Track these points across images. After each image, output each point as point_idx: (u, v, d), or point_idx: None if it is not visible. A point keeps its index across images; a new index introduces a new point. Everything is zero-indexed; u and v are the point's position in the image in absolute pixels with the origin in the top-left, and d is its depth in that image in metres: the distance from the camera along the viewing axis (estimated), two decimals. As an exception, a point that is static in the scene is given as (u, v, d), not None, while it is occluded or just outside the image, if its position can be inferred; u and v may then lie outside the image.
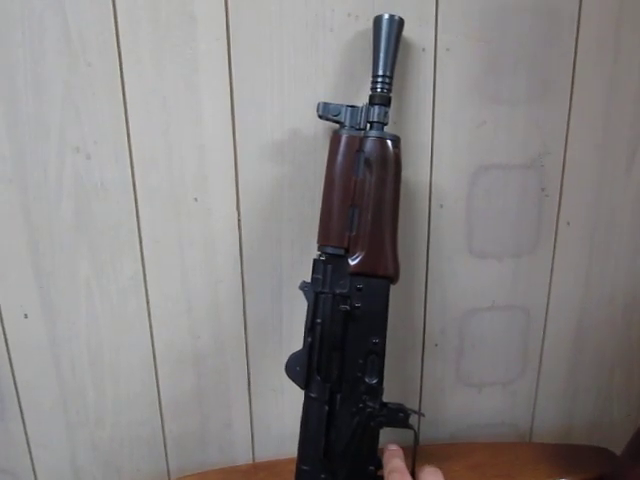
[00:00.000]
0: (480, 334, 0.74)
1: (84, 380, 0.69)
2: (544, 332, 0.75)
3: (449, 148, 0.66)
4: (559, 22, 0.63)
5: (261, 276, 0.68)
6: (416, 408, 0.76)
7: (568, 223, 0.71)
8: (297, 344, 0.69)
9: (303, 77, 0.61)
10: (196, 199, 0.64)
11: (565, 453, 0.75)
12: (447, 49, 0.62)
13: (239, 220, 0.65)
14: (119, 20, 0.58)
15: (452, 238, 0.69)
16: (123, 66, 0.59)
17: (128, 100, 0.60)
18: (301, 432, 0.60)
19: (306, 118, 0.62)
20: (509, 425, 0.79)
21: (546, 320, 0.75)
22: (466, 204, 0.68)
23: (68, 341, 0.67)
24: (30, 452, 0.71)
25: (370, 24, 0.59)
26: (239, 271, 0.67)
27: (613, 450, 0.77)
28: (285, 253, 0.67)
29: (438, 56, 0.63)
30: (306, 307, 0.65)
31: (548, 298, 0.74)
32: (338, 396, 0.58)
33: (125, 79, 0.59)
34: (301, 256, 0.67)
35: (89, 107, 0.60)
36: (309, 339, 0.58)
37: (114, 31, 0.58)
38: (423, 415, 0.59)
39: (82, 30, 0.57)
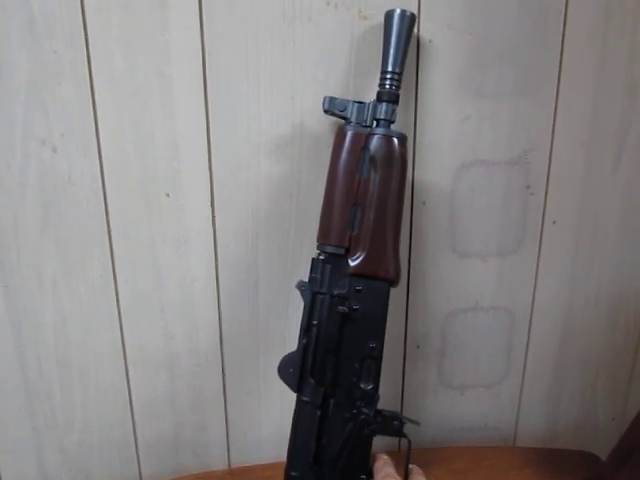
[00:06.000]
0: (463, 336, 0.72)
1: (51, 382, 0.66)
2: (529, 334, 0.74)
3: (432, 143, 0.64)
4: (546, 14, 0.61)
5: (237, 274, 0.66)
6: (398, 411, 0.74)
7: (554, 222, 0.69)
8: (274, 345, 0.68)
9: (279, 68, 0.59)
10: (168, 194, 0.61)
11: (550, 457, 0.74)
12: (430, 41, 0.60)
13: (213, 216, 0.63)
14: (86, 5, 0.55)
15: (435, 236, 0.68)
16: (91, 54, 0.56)
17: (96, 90, 0.57)
18: (291, 437, 0.58)
19: (283, 111, 0.60)
20: (492, 429, 0.78)
21: (531, 321, 0.73)
22: (449, 201, 0.66)
23: (34, 342, 0.64)
24: (-5, 457, 0.68)
25: (350, 13, 0.57)
26: (214, 269, 0.65)
27: (597, 453, 0.76)
28: (262, 250, 0.65)
29: (421, 48, 0.60)
30: (284, 306, 0.63)
31: (533, 299, 0.72)
32: (331, 401, 0.56)
33: (93, 68, 0.57)
34: (278, 253, 0.65)
35: (55, 97, 0.57)
36: (304, 340, 0.55)
37: (81, 17, 0.55)
38: (418, 424, 0.56)
39: (47, 16, 0.55)
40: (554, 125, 0.65)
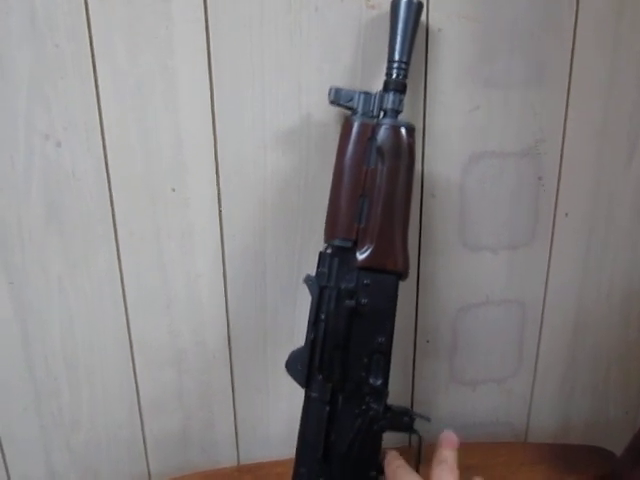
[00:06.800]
0: (474, 330, 0.71)
1: (58, 380, 0.66)
2: (540, 328, 0.73)
3: (441, 134, 0.63)
4: (558, 0, 0.59)
5: (244, 268, 0.65)
6: (408, 407, 0.73)
7: (566, 214, 0.68)
8: (282, 339, 0.67)
9: (285, 59, 0.57)
10: (174, 189, 0.61)
11: (562, 453, 0.73)
12: (439, 29, 0.59)
13: (220, 211, 0.62)
14: (89, -2, 0.54)
15: (444, 230, 0.66)
16: (94, 48, 0.55)
17: (100, 84, 0.56)
18: (300, 433, 0.57)
19: (289, 102, 0.59)
20: (504, 424, 0.77)
21: (542, 315, 0.72)
22: (459, 194, 0.65)
23: (41, 340, 0.64)
24: (3, 456, 0.68)
25: (357, 2, 0.56)
26: (220, 264, 0.64)
27: (610, 448, 0.75)
28: (269, 244, 0.64)
29: (430, 37, 0.59)
30: (292, 300, 0.63)
31: (545, 292, 0.71)
32: (340, 397, 0.55)
33: (96, 61, 0.56)
34: (286, 246, 0.64)
35: (58, 91, 0.56)
36: (312, 336, 0.55)
37: (84, 10, 0.54)
38: (429, 420, 0.55)
39: (49, 9, 0.53)
40: (566, 115, 0.64)
